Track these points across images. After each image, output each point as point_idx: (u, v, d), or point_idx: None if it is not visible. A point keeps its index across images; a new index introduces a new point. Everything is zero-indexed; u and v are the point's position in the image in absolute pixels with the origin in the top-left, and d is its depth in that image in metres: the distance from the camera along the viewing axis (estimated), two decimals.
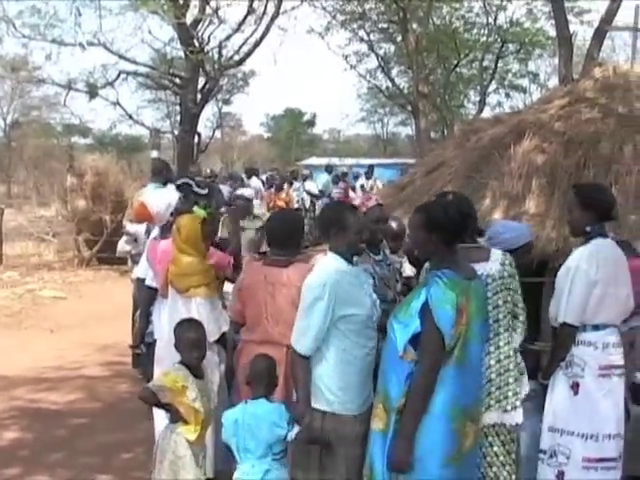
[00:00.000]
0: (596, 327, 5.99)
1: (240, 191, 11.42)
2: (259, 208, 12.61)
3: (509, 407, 5.77)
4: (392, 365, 5.07)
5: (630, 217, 8.36)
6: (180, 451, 5.73)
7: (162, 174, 10.74)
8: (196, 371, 5.90)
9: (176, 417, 5.80)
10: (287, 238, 6.49)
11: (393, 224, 7.46)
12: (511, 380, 5.81)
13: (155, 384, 5.82)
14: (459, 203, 5.34)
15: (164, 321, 7.15)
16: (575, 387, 5.97)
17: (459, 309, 4.89)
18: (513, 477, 5.76)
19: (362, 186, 26.85)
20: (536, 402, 6.19)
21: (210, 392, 6.07)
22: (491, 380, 5.74)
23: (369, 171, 28.77)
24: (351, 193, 25.53)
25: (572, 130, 9.67)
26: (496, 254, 5.91)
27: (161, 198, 8.21)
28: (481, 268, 5.70)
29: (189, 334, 5.98)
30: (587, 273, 5.91)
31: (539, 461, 6.08)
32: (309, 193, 24.23)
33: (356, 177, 28.39)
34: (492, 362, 5.76)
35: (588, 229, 6.10)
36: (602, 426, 5.92)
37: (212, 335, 6.88)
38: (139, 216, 7.85)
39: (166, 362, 6.68)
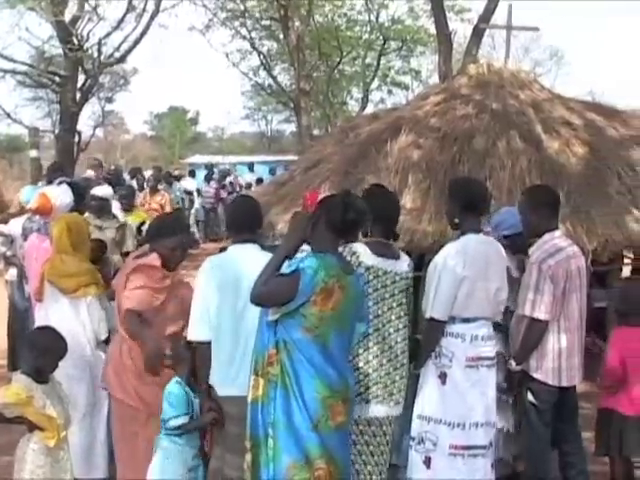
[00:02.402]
0: (466, 320, 6.05)
1: (94, 190, 10.31)
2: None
3: (397, 401, 5.88)
4: (261, 334, 5.09)
5: None
6: (40, 460, 5.60)
7: (58, 174, 10.53)
8: (40, 377, 5.68)
9: (30, 427, 5.62)
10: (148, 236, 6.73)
11: None
12: (402, 375, 5.91)
13: None
14: (353, 203, 5.30)
15: (52, 322, 6.93)
16: (443, 377, 6.04)
17: (326, 288, 4.89)
18: (387, 465, 5.94)
19: (231, 183, 27.82)
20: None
21: (60, 392, 5.85)
22: (389, 373, 5.82)
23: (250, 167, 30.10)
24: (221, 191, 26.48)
25: (447, 126, 9.86)
26: (404, 256, 6.03)
27: (64, 193, 8.14)
28: (391, 265, 5.84)
29: (60, 343, 5.82)
30: (454, 270, 5.96)
31: (409, 447, 6.17)
32: (185, 191, 24.32)
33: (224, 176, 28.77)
34: (391, 355, 5.83)
35: (456, 221, 6.22)
36: (469, 415, 6.01)
37: (102, 334, 6.94)
38: (39, 208, 7.74)
39: None
